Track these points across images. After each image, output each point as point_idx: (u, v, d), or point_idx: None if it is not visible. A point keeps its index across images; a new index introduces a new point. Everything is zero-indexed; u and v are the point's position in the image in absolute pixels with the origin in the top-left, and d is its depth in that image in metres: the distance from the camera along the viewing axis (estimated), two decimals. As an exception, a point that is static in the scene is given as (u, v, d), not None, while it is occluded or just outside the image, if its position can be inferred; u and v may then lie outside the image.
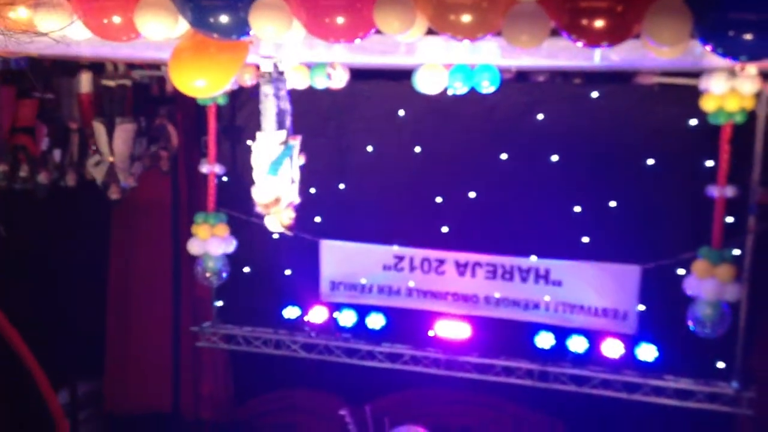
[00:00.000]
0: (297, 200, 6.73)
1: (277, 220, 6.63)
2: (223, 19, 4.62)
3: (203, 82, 5.42)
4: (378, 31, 4.52)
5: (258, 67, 7.48)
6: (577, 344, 8.81)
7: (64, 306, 9.25)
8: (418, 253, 9.20)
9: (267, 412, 10.04)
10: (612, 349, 8.69)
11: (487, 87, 7.46)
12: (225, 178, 9.43)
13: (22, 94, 8.15)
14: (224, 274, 9.31)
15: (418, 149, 9.00)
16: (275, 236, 8.81)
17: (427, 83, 7.48)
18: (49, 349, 8.58)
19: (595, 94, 8.36)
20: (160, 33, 4.83)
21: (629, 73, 7.88)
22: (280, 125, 6.51)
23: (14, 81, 7.98)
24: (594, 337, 8.76)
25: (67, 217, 9.10)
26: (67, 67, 8.35)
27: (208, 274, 9.25)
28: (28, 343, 7.28)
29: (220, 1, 4.59)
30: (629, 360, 8.66)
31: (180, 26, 4.87)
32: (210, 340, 9.93)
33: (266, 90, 6.43)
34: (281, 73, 6.59)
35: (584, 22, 4.02)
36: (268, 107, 6.44)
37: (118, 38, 4.96)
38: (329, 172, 9.22)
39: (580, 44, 4.14)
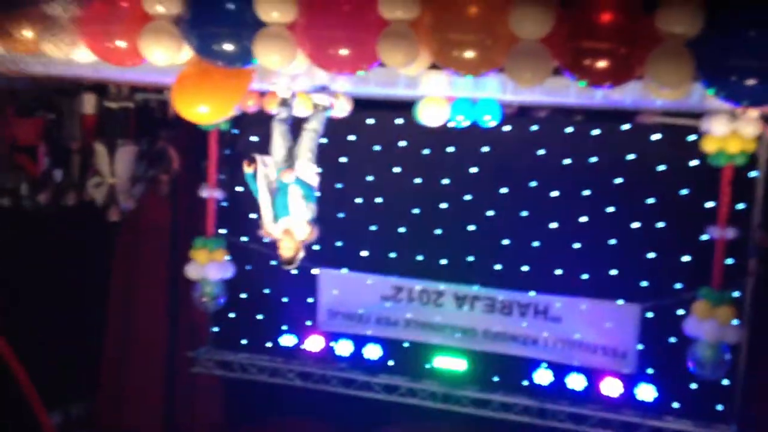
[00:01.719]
0: (308, 237, 6.43)
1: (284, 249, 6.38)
2: (228, 47, 4.63)
3: (206, 109, 5.41)
4: (381, 64, 4.52)
5: (261, 95, 7.50)
6: (576, 382, 8.74)
7: (61, 326, 9.21)
8: (417, 285, 9.17)
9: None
10: (611, 388, 8.63)
11: (489, 121, 7.47)
12: (225, 203, 9.42)
13: (24, 113, 8.17)
14: (221, 300, 9.27)
15: (418, 181, 8.99)
16: (273, 263, 8.76)
17: (429, 116, 7.48)
18: (44, 370, 8.54)
19: (596, 132, 8.36)
20: (164, 59, 4.84)
21: (631, 111, 7.88)
22: (289, 155, 6.40)
23: (14, 100, 8.00)
24: (593, 375, 8.69)
25: (67, 236, 9.08)
26: (69, 87, 8.37)
27: (205, 299, 9.22)
28: (23, 363, 7.22)
29: (225, 29, 4.60)
30: (628, 399, 8.59)
31: (184, 52, 4.88)
32: (205, 366, 9.86)
33: (282, 116, 6.34)
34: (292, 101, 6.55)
35: (587, 62, 4.02)
36: (280, 134, 6.34)
37: (123, 63, 4.97)
38: (329, 201, 9.17)
39: (582, 84, 4.14)
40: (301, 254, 6.31)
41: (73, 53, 5.10)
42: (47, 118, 8.41)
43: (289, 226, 6.25)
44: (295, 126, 6.43)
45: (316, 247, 9.16)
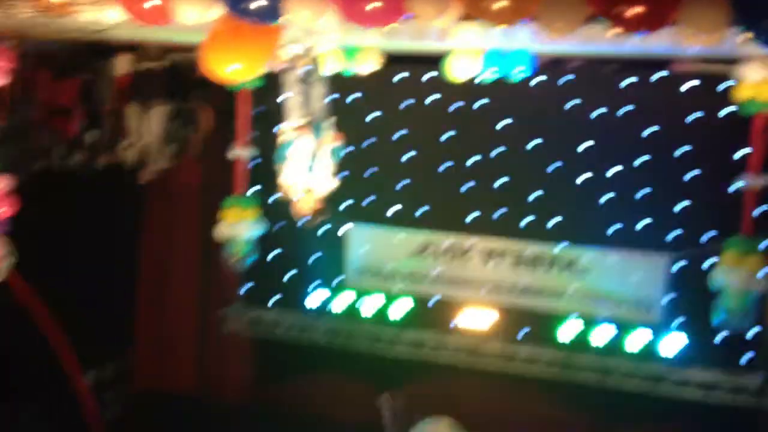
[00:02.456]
0: (321, 190, 6.49)
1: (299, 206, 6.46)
2: (259, 3, 4.64)
3: (237, 67, 5.43)
4: (412, 17, 4.52)
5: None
6: (604, 333, 8.78)
7: (95, 287, 9.36)
8: (444, 239, 9.20)
9: (291, 397, 10.10)
10: (639, 338, 8.67)
11: (521, 72, 7.43)
12: (255, 162, 9.46)
13: (60, 74, 8.22)
14: (252, 258, 9.36)
15: (447, 135, 8.99)
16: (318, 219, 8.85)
17: (459, 69, 7.45)
18: (79, 330, 8.69)
19: (629, 81, 8.30)
20: (195, 17, 4.86)
21: (664, 60, 7.81)
22: (305, 112, 6.41)
23: (49, 63, 8.06)
24: (621, 326, 8.73)
25: (99, 198, 9.18)
26: (103, 49, 8.40)
27: (235, 258, 9.30)
28: (59, 324, 7.39)
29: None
30: (656, 350, 8.63)
31: (214, 10, 4.89)
32: (236, 324, 9.99)
33: (293, 76, 6.35)
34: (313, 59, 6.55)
35: (621, 8, 4.00)
36: (296, 93, 6.36)
37: (154, 21, 4.99)
38: (359, 158, 9.22)
39: (616, 31, 4.12)
40: (322, 211, 6.40)
41: (105, 13, 5.13)
42: (82, 80, 8.45)
43: (310, 184, 6.31)
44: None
45: (345, 204, 9.26)
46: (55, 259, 8.83)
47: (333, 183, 6.40)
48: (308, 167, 6.38)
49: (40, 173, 8.34)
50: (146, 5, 4.85)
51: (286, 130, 6.38)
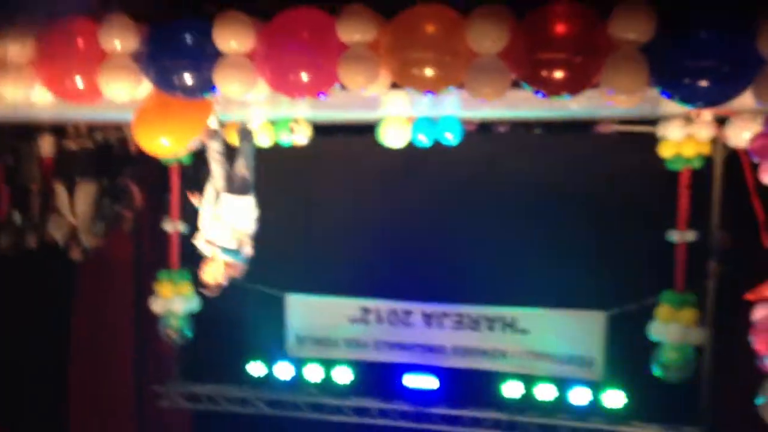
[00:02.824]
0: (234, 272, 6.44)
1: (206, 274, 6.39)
2: (187, 78, 4.64)
3: (167, 141, 5.41)
4: (342, 87, 4.57)
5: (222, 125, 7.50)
6: (545, 392, 8.81)
7: (25, 369, 9.07)
8: (385, 305, 9.18)
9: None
10: (580, 396, 8.71)
11: (451, 139, 7.56)
12: (188, 236, 9.36)
13: None
14: (188, 333, 9.20)
15: (383, 201, 9.03)
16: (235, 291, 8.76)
17: (391, 136, 7.55)
18: (10, 412, 8.34)
19: (556, 143, 8.48)
20: (124, 94, 4.83)
21: (589, 122, 8.04)
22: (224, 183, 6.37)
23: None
24: (562, 384, 8.77)
25: (28, 279, 8.95)
26: (26, 130, 8.31)
27: (171, 333, 9.13)
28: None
29: (184, 61, 4.61)
30: (597, 407, 8.67)
31: (143, 87, 4.87)
32: (173, 400, 9.75)
33: (216, 148, 6.30)
34: (248, 132, 6.56)
35: (544, 73, 4.11)
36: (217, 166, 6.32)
37: (82, 101, 4.94)
38: (295, 226, 9.19)
39: (540, 95, 4.23)
40: (225, 282, 6.35)
41: (31, 94, 5.05)
42: (7, 162, 8.35)
43: (216, 255, 6.25)
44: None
45: (283, 272, 9.18)
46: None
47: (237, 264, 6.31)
48: (217, 235, 6.31)
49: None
50: (70, 85, 4.80)
51: (201, 200, 6.34)
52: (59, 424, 9.93)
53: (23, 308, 8.97)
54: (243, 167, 6.31)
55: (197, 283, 8.96)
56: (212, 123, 6.05)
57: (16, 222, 8.65)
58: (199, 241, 6.30)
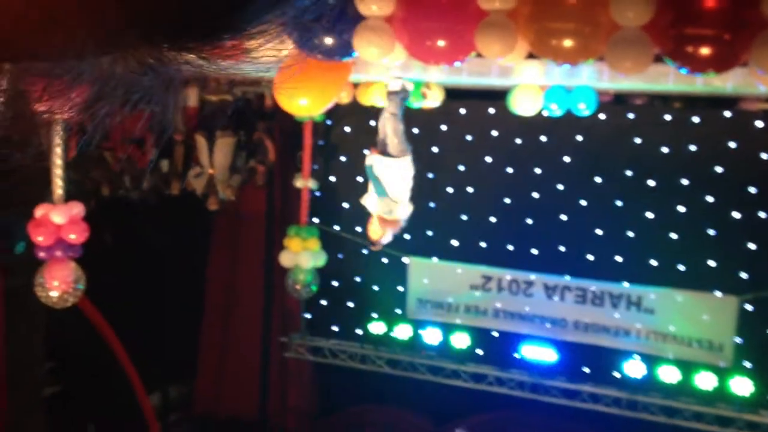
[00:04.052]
0: (399, 216, 6.69)
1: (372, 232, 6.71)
2: (328, 41, 4.74)
3: (306, 101, 5.56)
4: (478, 54, 4.56)
5: (354, 86, 7.62)
6: (669, 374, 8.59)
7: (163, 311, 9.56)
8: (506, 275, 9.15)
9: (351, 426, 10.12)
10: (705, 381, 8.46)
11: (584, 109, 7.39)
12: (318, 193, 9.61)
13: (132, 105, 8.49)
14: (314, 287, 9.46)
15: (510, 170, 8.97)
16: (364, 251, 8.95)
17: (522, 105, 7.45)
18: (146, 353, 8.89)
19: (696, 119, 8.18)
20: (267, 54, 4.96)
21: (732, 98, 7.69)
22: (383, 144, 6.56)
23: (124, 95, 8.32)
24: (687, 368, 8.54)
25: (169, 225, 9.43)
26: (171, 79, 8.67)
27: (298, 287, 9.41)
28: (126, 347, 7.56)
29: (325, 23, 4.70)
30: (723, 393, 8.41)
31: (285, 46, 5.00)
32: (297, 351, 10.08)
33: (392, 109, 6.45)
34: (406, 92, 6.66)
35: (690, 49, 3.97)
36: (395, 126, 6.48)
37: (230, 58, 5.11)
38: (421, 190, 9.23)
39: (683, 71, 4.09)
40: (388, 237, 6.58)
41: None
42: (153, 111, 8.72)
43: (382, 210, 6.46)
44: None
45: (407, 236, 9.30)
46: (125, 283, 9.06)
47: (409, 209, 6.55)
48: (381, 192, 6.53)
49: (111, 200, 8.61)
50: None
51: (368, 156, 6.54)
52: (190, 369, 10.49)
53: (162, 253, 9.46)
54: (398, 128, 6.45)
55: (325, 240, 9.31)
56: (394, 84, 6.20)
57: (161, 169, 9.11)
58: (366, 200, 6.56)
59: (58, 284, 6.51)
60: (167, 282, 9.59)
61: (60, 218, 6.52)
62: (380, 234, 6.63)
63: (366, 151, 6.77)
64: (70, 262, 6.61)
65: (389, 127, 6.32)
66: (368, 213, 6.73)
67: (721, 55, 3.94)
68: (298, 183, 9.45)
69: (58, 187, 6.59)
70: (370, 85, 7.69)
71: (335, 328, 10.00)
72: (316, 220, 9.59)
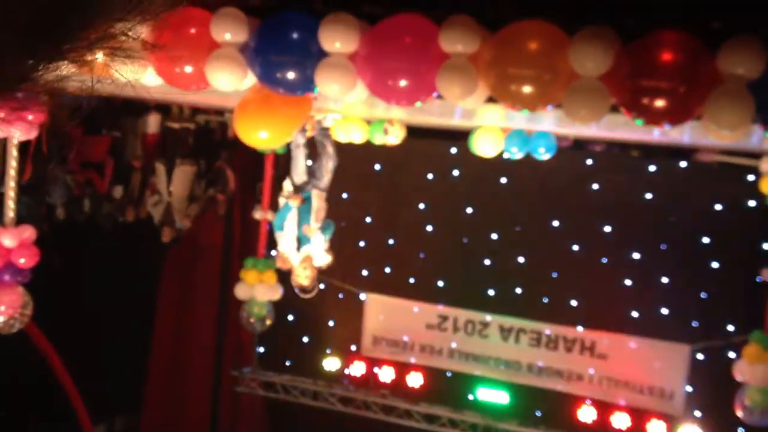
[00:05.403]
0: (319, 261, 6.64)
1: (295, 278, 6.64)
2: (290, 75, 4.73)
3: (266, 134, 5.54)
4: (439, 96, 4.58)
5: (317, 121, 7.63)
6: (621, 421, 8.61)
7: (110, 339, 9.38)
8: (463, 314, 9.15)
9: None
10: (656, 428, 8.49)
11: (544, 154, 7.47)
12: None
13: (91, 131, 8.42)
14: (268, 321, 9.36)
15: (469, 210, 9.01)
16: (321, 286, 8.89)
17: (483, 146, 7.51)
18: (91, 382, 8.69)
19: (652, 168, 8.31)
20: (229, 84, 4.96)
21: (689, 149, 7.83)
22: (302, 178, 6.57)
23: (82, 119, 8.26)
24: (638, 415, 8.57)
25: (122, 252, 9.29)
26: (134, 107, 8.61)
27: (252, 320, 9.30)
28: (73, 374, 7.38)
29: (289, 57, 4.70)
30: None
31: (248, 79, 4.99)
32: (249, 386, 9.94)
33: (298, 141, 6.52)
34: (325, 129, 6.70)
35: (645, 101, 4.03)
36: (299, 158, 6.53)
37: (188, 87, 5.10)
38: (379, 227, 9.27)
39: (639, 122, 4.15)
40: (318, 283, 6.53)
41: (143, 77, 5.24)
42: (113, 136, 8.65)
43: (309, 253, 6.42)
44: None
45: (364, 272, 9.28)
46: (73, 309, 8.89)
47: (326, 257, 6.50)
48: (297, 237, 6.49)
49: (64, 224, 8.48)
50: (179, 70, 4.96)
51: (283, 197, 6.53)
52: (137, 399, 10.28)
53: (114, 280, 9.30)
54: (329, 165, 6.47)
55: (282, 273, 9.22)
56: (327, 120, 6.21)
57: (116, 195, 9.00)
58: (287, 244, 6.48)
59: (4, 309, 6.38)
60: (117, 309, 9.42)
61: (10, 241, 6.40)
62: (312, 277, 6.54)
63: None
64: (18, 287, 6.48)
65: (327, 161, 6.36)
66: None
67: (675, 107, 4.00)
68: (257, 214, 9.37)
69: (10, 209, 6.48)
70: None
71: (288, 363, 9.89)
72: (274, 253, 9.51)
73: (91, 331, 9.06)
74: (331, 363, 9.71)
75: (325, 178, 6.62)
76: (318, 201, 6.56)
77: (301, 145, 6.48)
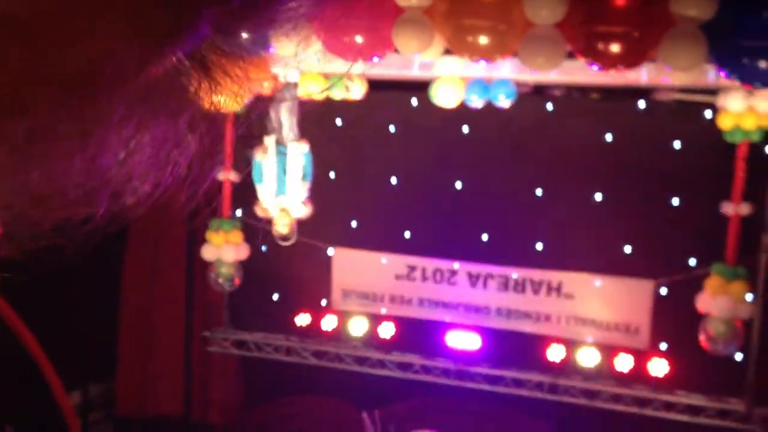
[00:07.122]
0: (297, 213, 6.71)
1: (274, 227, 6.73)
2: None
3: (223, 97, 5.48)
4: (396, 50, 4.56)
5: (275, 78, 7.54)
6: (589, 358, 8.81)
7: (78, 307, 9.34)
8: (431, 263, 9.23)
9: (277, 418, 10.08)
10: (623, 363, 8.70)
11: (504, 101, 7.50)
12: (240, 185, 9.50)
13: None
14: (236, 281, 9.37)
15: (433, 160, 9.04)
16: (293, 239, 8.91)
17: (444, 96, 7.51)
18: (62, 350, 8.70)
19: (612, 109, 8.37)
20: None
21: (647, 89, 7.89)
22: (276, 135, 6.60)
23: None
24: (605, 351, 8.77)
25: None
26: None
27: (220, 280, 9.31)
28: (43, 343, 7.41)
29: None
30: (641, 375, 8.67)
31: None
32: (221, 345, 9.97)
33: (283, 97, 6.49)
34: (294, 84, 6.67)
35: (600, 46, 4.05)
36: (285, 115, 6.51)
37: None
38: (343, 181, 9.27)
39: (595, 68, 4.18)
40: (295, 230, 6.63)
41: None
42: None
43: (286, 204, 6.49)
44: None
45: (331, 226, 9.29)
46: (39, 279, 8.79)
47: (305, 207, 6.57)
48: (278, 188, 6.54)
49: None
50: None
51: (258, 152, 6.54)
52: (109, 365, 10.28)
53: (79, 248, 9.22)
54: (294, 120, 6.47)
55: (248, 232, 9.22)
56: (292, 76, 6.16)
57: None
58: (268, 200, 6.53)
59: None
60: (84, 275, 9.35)
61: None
62: (290, 225, 6.64)
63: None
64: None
65: (287, 118, 6.36)
66: None
67: (630, 51, 4.03)
68: (220, 175, 9.33)
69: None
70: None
71: (260, 321, 9.93)
72: (239, 212, 9.48)
73: (58, 299, 8.99)
74: (302, 318, 9.77)
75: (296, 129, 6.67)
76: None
77: (285, 102, 6.44)
